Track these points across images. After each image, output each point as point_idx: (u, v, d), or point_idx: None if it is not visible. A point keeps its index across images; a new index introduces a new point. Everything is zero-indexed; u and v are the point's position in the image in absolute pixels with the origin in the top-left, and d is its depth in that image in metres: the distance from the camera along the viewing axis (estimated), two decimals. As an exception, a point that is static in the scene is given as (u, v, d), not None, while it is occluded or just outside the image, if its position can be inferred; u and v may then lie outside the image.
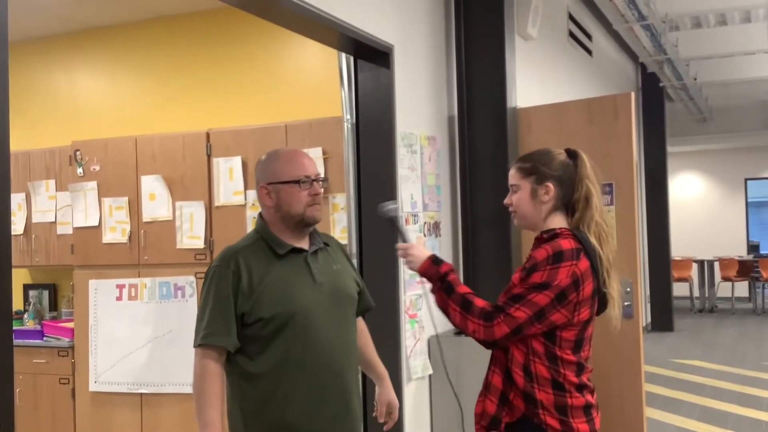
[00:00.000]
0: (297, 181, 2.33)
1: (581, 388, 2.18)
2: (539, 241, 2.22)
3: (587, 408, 2.17)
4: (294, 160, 2.38)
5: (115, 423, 4.84)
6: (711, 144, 14.51)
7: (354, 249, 3.99)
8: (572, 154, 2.32)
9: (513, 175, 2.31)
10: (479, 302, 2.18)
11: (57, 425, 5.11)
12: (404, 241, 2.37)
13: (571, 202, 2.25)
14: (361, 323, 2.63)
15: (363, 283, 2.62)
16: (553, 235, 2.19)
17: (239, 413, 2.36)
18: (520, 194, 2.28)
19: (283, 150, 2.47)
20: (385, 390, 2.68)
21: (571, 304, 2.12)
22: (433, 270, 2.26)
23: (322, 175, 2.49)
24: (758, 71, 10.41)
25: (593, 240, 2.20)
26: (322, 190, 2.43)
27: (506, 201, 2.34)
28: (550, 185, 2.24)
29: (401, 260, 2.39)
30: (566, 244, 2.14)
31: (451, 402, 4.32)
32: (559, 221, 2.25)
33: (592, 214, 2.23)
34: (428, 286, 2.33)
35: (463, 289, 2.22)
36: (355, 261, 3.98)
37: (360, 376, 2.55)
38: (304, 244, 2.40)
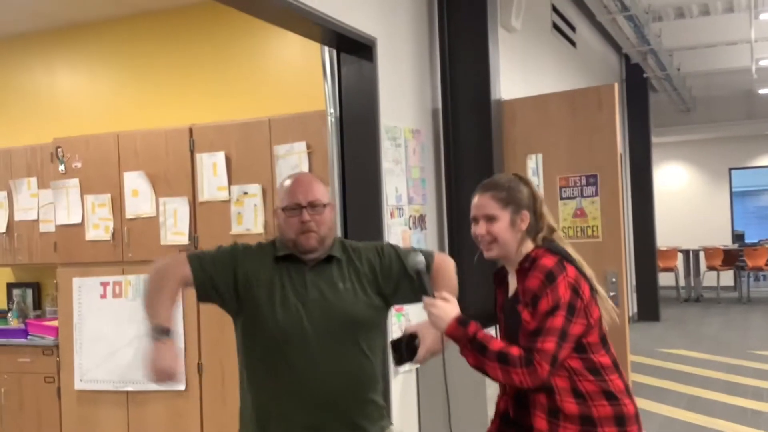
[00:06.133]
0: (284, 209, 2.38)
1: (629, 392, 2.23)
2: (524, 271, 2.21)
3: (637, 416, 2.22)
4: (289, 188, 2.40)
5: (101, 421, 4.81)
6: (695, 134, 14.57)
7: (339, 243, 3.98)
8: (519, 176, 2.37)
9: (489, 205, 2.27)
10: (514, 351, 2.11)
11: (43, 424, 5.07)
12: (428, 295, 2.24)
13: (537, 224, 2.30)
14: (433, 274, 2.43)
15: (407, 261, 2.41)
16: (531, 260, 2.20)
17: (240, 415, 2.46)
18: (499, 224, 2.26)
19: (292, 176, 2.49)
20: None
21: (581, 311, 2.15)
22: (460, 332, 2.16)
23: (323, 202, 2.39)
24: (741, 61, 10.45)
25: (562, 244, 2.28)
26: (322, 215, 2.37)
27: (479, 231, 2.29)
28: (527, 213, 2.27)
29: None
30: (548, 261, 2.16)
31: (439, 396, 4.33)
32: (529, 244, 2.28)
33: (547, 221, 2.31)
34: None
35: (496, 344, 2.14)
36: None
37: (373, 403, 2.44)
38: (313, 256, 2.40)
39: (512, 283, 2.32)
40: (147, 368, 2.15)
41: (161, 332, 2.18)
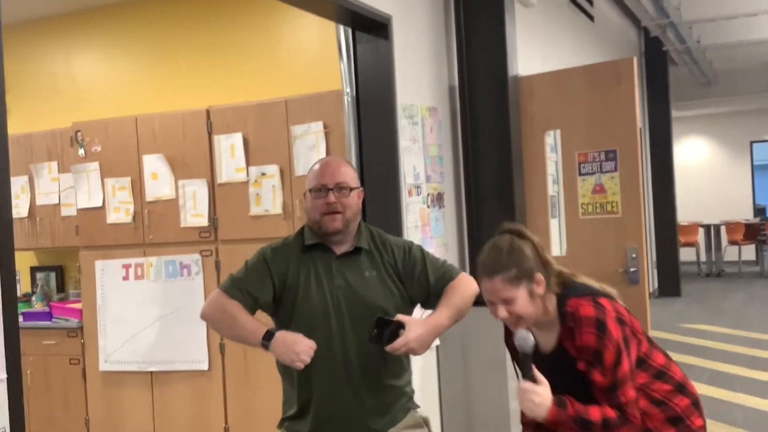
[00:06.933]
0: (311, 190, 2.43)
1: (686, 379, 2.28)
2: (569, 330, 2.15)
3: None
4: (317, 170, 2.45)
5: (127, 401, 4.88)
6: (716, 107, 14.41)
7: (358, 222, 3.99)
8: (516, 232, 2.22)
9: (503, 290, 2.14)
10: (610, 413, 2.11)
11: (69, 405, 5.15)
12: (528, 377, 2.12)
13: (548, 274, 2.21)
14: (447, 289, 2.48)
15: (429, 273, 2.49)
16: (572, 316, 2.14)
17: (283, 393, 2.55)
18: (519, 303, 2.14)
19: (322, 159, 2.55)
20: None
21: (630, 335, 2.16)
22: (562, 415, 2.12)
23: (350, 185, 2.43)
24: (762, 33, 10.30)
25: (579, 280, 2.23)
26: (348, 198, 2.41)
27: (501, 315, 2.17)
28: (539, 275, 2.16)
29: (519, 401, 2.15)
30: (587, 310, 2.11)
31: (460, 378, 4.34)
32: (551, 298, 2.19)
33: (553, 267, 2.22)
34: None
35: (594, 413, 2.11)
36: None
37: (394, 389, 2.49)
38: (339, 245, 2.45)
39: (541, 336, 2.24)
40: (292, 360, 2.25)
41: (268, 336, 2.29)
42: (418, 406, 2.58)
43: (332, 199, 2.38)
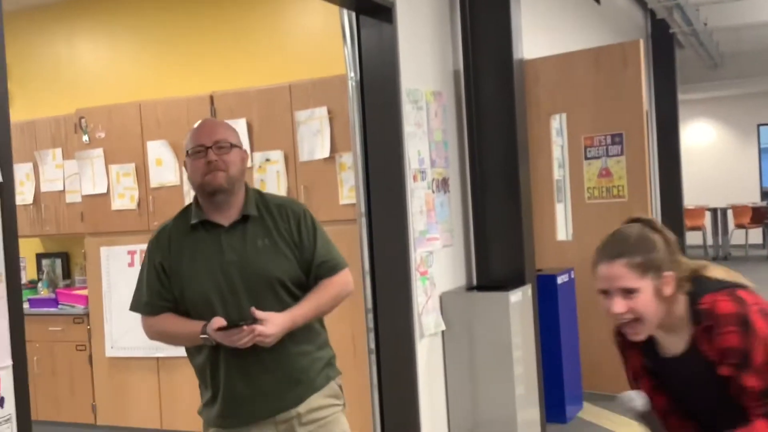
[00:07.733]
0: (188, 153, 2.33)
1: None
2: (706, 330, 1.86)
3: None
4: (193, 132, 2.35)
5: (133, 386, 4.90)
6: (722, 90, 14.31)
7: (362, 207, 3.98)
8: (647, 222, 1.95)
9: (625, 277, 1.85)
10: (762, 428, 1.82)
11: (75, 391, 5.17)
12: None
13: (680, 274, 1.91)
14: (324, 283, 2.39)
15: (316, 252, 2.38)
16: (708, 314, 1.85)
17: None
18: (642, 298, 1.84)
19: (198, 122, 2.44)
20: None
21: None
22: None
23: (230, 141, 2.32)
24: (769, 14, 10.21)
25: (712, 274, 1.96)
26: (230, 154, 2.31)
27: (618, 309, 1.86)
28: (669, 273, 1.86)
29: None
30: (726, 306, 1.83)
31: (465, 359, 4.34)
32: (679, 300, 1.90)
33: (686, 266, 1.93)
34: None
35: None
36: (363, 219, 3.96)
37: (307, 355, 2.38)
38: (226, 215, 2.35)
39: (668, 338, 1.97)
40: (239, 339, 2.20)
41: (203, 335, 2.25)
42: (339, 373, 2.50)
43: (212, 157, 2.28)
